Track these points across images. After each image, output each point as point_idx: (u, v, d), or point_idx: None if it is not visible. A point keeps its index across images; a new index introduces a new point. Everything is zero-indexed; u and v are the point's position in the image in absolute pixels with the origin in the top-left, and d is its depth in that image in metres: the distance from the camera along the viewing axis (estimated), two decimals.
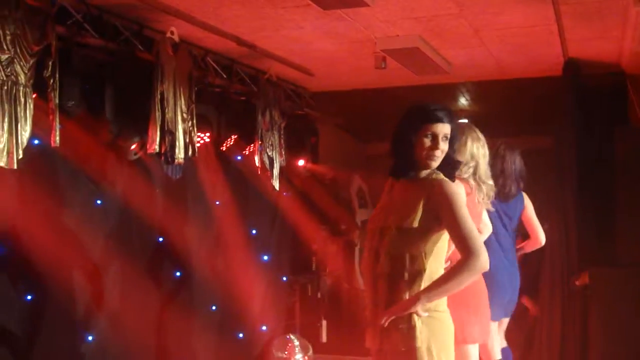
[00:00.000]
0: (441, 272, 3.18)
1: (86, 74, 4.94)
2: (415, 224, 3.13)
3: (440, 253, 3.22)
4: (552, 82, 6.88)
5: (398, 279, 3.14)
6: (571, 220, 6.57)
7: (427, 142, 3.18)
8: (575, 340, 6.61)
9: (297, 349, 7.47)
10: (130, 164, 5.59)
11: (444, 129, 3.18)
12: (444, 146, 3.20)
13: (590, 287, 6.42)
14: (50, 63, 4.24)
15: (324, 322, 7.95)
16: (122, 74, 5.23)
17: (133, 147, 5.47)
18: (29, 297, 4.84)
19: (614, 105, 6.82)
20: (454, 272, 3.09)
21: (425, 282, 3.12)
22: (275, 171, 6.62)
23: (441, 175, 3.23)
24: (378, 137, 8.04)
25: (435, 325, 3.14)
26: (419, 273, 3.13)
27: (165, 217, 6.05)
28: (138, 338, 5.61)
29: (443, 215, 3.12)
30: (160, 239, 6.01)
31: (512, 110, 7.25)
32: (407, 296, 3.10)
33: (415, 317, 3.07)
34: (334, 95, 8.03)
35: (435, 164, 3.23)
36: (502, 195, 4.89)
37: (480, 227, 4.13)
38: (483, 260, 3.07)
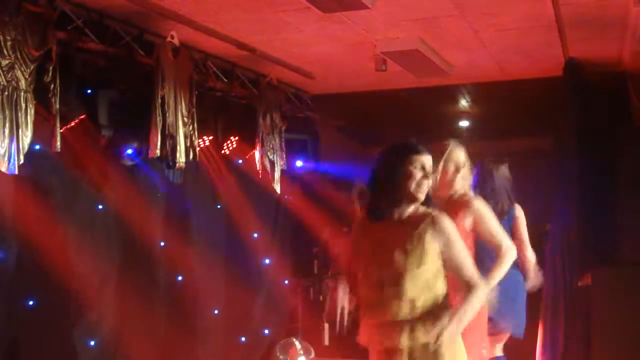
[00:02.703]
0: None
1: (86, 80, 4.94)
2: (430, 264, 3.16)
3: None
4: (553, 82, 6.87)
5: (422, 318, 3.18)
6: (573, 221, 6.55)
7: (418, 173, 3.17)
8: (578, 341, 6.60)
9: (299, 352, 7.46)
10: (128, 169, 5.60)
11: (429, 160, 3.23)
12: (431, 178, 3.24)
13: (593, 288, 6.41)
14: (50, 68, 4.23)
15: (326, 325, 7.92)
16: (122, 79, 5.24)
17: (129, 151, 5.48)
18: (30, 303, 4.83)
19: (615, 105, 6.80)
20: (470, 306, 3.20)
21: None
22: (277, 174, 6.61)
23: (437, 210, 3.23)
24: (378, 139, 8.04)
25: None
26: (443, 308, 3.22)
27: (166, 222, 6.05)
28: (140, 343, 5.62)
29: (447, 251, 3.18)
30: (162, 244, 6.00)
31: (513, 111, 7.24)
32: None
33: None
34: (335, 98, 8.03)
35: (422, 197, 3.21)
36: (496, 213, 4.85)
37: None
38: (485, 287, 3.28)
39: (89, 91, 5.11)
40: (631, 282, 6.08)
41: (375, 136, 8.52)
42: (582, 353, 6.57)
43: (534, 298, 6.86)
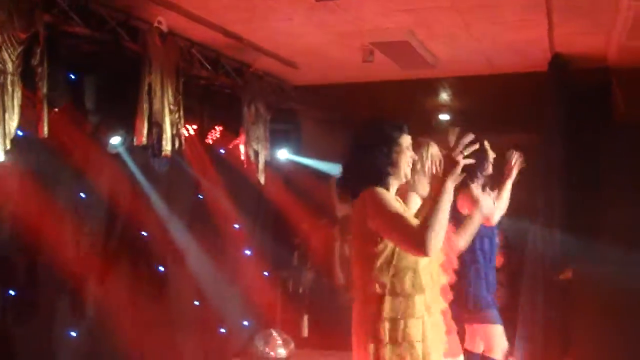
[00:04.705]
0: None
1: (72, 64, 4.81)
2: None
3: None
4: (538, 77, 6.88)
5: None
6: (556, 216, 6.58)
7: (409, 152, 3.15)
8: (557, 335, 6.64)
9: (279, 344, 7.42)
10: (112, 157, 5.48)
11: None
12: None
13: (573, 281, 6.45)
14: (38, 51, 4.10)
15: (305, 317, 7.88)
16: (107, 65, 5.12)
17: (114, 139, 5.36)
18: (11, 292, 4.71)
19: (599, 100, 6.83)
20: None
21: None
22: (261, 165, 6.54)
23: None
24: None
25: None
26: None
27: (148, 211, 5.94)
28: (121, 332, 5.52)
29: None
30: (144, 234, 5.90)
31: (497, 106, 7.23)
32: None
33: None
34: (317, 89, 7.96)
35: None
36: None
37: None
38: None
39: (74, 77, 4.96)
40: (611, 276, 6.10)
41: (344, 131, 8.45)
42: (560, 347, 6.62)
43: (513, 291, 6.97)
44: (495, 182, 4.99)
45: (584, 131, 6.72)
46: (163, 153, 5.17)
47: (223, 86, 6.41)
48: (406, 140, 3.16)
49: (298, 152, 7.79)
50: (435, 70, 7.00)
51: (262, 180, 6.61)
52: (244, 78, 6.45)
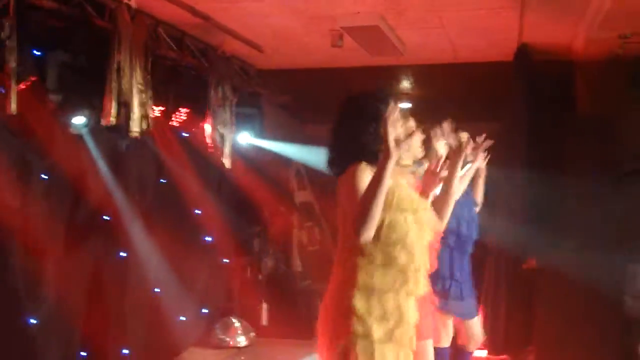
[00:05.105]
0: None
1: (37, 39, 4.59)
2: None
3: None
4: (503, 67, 6.92)
5: None
6: (519, 206, 6.65)
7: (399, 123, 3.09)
8: (520, 323, 6.73)
9: (239, 332, 7.31)
10: (75, 137, 5.27)
11: None
12: None
13: (537, 271, 6.53)
14: (7, 24, 3.88)
15: (265, 305, 7.79)
16: (73, 41, 4.91)
17: (78, 119, 5.14)
18: None
19: (562, 92, 6.91)
20: None
21: None
22: (227, 149, 6.39)
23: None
24: (318, 118, 7.92)
25: None
26: None
27: (110, 195, 5.74)
28: (81, 320, 5.34)
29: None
30: (106, 218, 5.70)
31: (461, 95, 7.25)
32: None
33: None
34: (280, 74, 7.85)
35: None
36: None
37: None
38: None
39: (38, 52, 4.73)
40: (574, 267, 6.18)
41: (315, 115, 8.38)
42: (523, 335, 6.70)
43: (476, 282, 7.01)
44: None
45: (547, 123, 6.81)
46: (131, 134, 4.98)
47: (189, 67, 6.23)
48: (393, 109, 3.03)
49: (260, 137, 7.65)
50: (402, 58, 6.97)
51: (227, 164, 6.47)
52: (211, 60, 6.29)
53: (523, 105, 6.81)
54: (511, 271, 6.73)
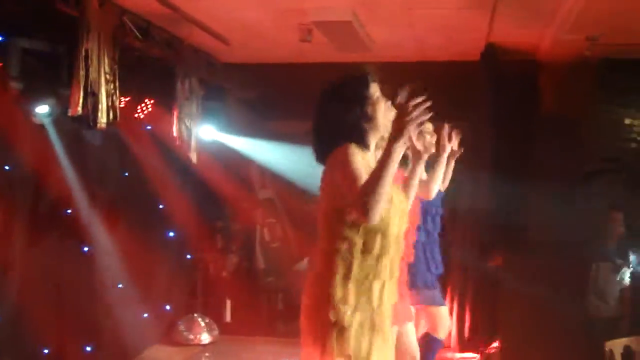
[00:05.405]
0: None
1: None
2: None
3: None
4: (469, 66, 6.95)
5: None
6: (485, 203, 6.69)
7: (382, 101, 3.06)
8: (485, 320, 6.77)
9: (203, 329, 7.21)
10: (39, 127, 5.11)
11: None
12: None
13: (502, 268, 6.58)
14: None
15: (229, 302, 7.69)
16: (38, 27, 4.76)
17: (41, 108, 4.99)
18: None
19: (527, 93, 6.97)
20: None
21: None
22: (193, 143, 6.28)
23: None
24: (280, 115, 7.86)
25: None
26: None
27: (73, 189, 5.59)
28: (44, 315, 5.19)
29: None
30: (69, 211, 5.55)
31: (429, 93, 7.25)
32: None
33: None
34: (245, 68, 7.74)
35: None
36: None
37: None
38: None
39: (0, 38, 4.57)
40: (539, 264, 6.24)
41: (280, 111, 8.31)
42: (487, 331, 6.75)
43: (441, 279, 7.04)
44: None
45: (513, 122, 6.85)
46: (98, 125, 4.84)
47: (156, 58, 6.09)
48: (375, 89, 3.04)
49: (224, 131, 7.54)
50: (368, 55, 6.93)
51: (194, 158, 6.35)
52: (178, 51, 6.17)
53: (490, 104, 6.85)
54: (477, 267, 6.77)
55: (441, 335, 5.00)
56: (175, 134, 6.11)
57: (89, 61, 4.69)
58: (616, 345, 5.13)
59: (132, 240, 6.25)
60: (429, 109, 2.76)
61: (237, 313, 7.69)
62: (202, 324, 7.20)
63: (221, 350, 7.13)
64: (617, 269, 6.01)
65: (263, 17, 6.04)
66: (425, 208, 4.66)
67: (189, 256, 7.47)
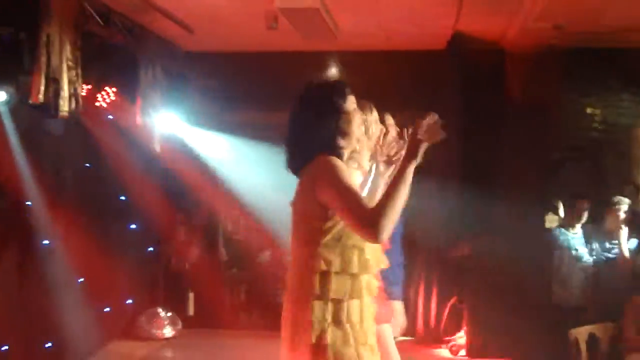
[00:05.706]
0: None
1: None
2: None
3: None
4: (436, 55, 6.93)
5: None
6: (451, 195, 6.69)
7: (357, 114, 2.95)
8: (451, 310, 6.79)
9: (165, 323, 7.08)
10: None
11: None
12: None
13: (467, 258, 6.59)
14: None
15: (191, 295, 7.57)
16: None
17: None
18: None
19: (494, 82, 6.96)
20: None
21: None
22: (156, 132, 6.12)
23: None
24: (239, 105, 7.75)
25: None
26: None
27: (32, 180, 5.40)
28: (1, 312, 5.03)
29: None
30: (28, 203, 5.36)
31: (393, 82, 7.21)
32: None
33: None
34: (210, 57, 7.60)
35: None
36: None
37: None
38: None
39: None
40: (504, 253, 6.26)
41: (244, 101, 8.19)
42: (454, 320, 6.76)
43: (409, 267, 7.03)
44: None
45: (480, 111, 6.84)
46: (60, 114, 4.67)
47: (118, 46, 5.92)
48: (352, 102, 2.93)
49: (187, 121, 7.39)
50: (334, 43, 6.87)
51: (157, 148, 6.21)
52: (141, 39, 6.00)
53: (456, 93, 6.84)
54: (442, 257, 6.77)
55: (395, 332, 4.94)
56: (139, 123, 5.95)
57: (51, 47, 4.51)
58: (581, 333, 5.19)
59: (93, 233, 6.09)
60: (443, 127, 2.73)
61: (200, 306, 7.57)
62: (165, 317, 7.07)
63: (184, 344, 7.02)
64: (580, 258, 6.04)
65: (228, 4, 5.91)
66: None
67: (151, 249, 7.31)
